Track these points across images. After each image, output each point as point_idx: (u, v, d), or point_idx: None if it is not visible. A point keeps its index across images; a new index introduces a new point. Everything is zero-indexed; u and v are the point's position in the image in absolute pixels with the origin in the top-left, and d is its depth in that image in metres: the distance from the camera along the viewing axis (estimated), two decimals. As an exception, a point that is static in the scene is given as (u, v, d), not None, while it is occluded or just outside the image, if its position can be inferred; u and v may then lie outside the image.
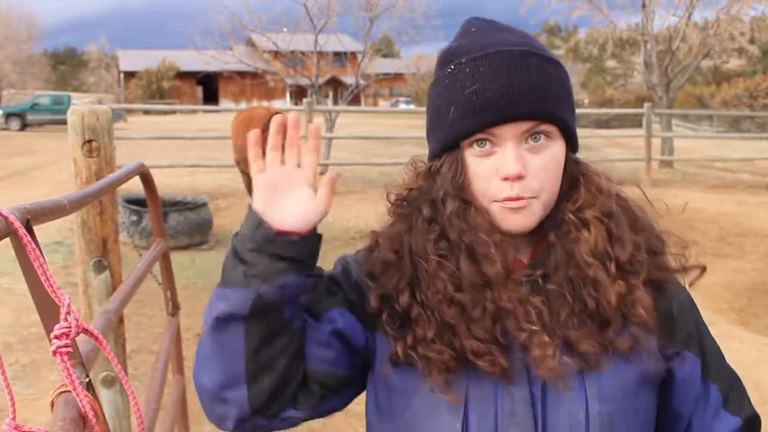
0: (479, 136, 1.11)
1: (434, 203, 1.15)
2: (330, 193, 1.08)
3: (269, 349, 1.07)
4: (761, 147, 20.34)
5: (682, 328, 1.18)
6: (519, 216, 1.11)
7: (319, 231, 1.12)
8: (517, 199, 1.10)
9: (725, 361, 1.23)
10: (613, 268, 1.12)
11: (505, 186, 1.11)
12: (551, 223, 1.16)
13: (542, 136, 1.12)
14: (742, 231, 10.14)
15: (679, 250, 1.21)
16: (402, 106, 41.30)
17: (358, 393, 1.23)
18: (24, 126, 32.32)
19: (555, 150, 1.14)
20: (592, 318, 1.10)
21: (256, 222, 1.06)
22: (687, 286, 1.22)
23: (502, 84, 1.10)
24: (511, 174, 1.09)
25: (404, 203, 1.20)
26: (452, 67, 1.15)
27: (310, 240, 1.09)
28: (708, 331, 1.23)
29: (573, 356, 1.08)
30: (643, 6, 19.24)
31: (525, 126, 1.11)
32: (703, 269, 1.22)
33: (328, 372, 1.14)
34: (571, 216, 1.14)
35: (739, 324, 6.63)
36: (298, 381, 1.12)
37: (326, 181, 1.08)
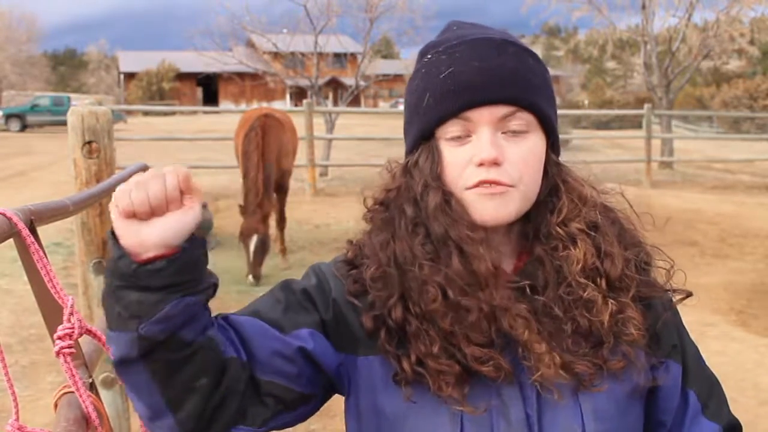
0: (454, 122, 1.07)
1: (416, 201, 1.10)
2: (195, 194, 0.98)
3: (182, 375, 0.99)
4: (761, 148, 20.34)
5: (666, 340, 1.16)
6: (494, 203, 1.06)
7: (197, 236, 1.01)
8: (492, 182, 1.05)
9: (704, 365, 1.21)
10: (603, 284, 1.09)
11: (479, 171, 1.06)
12: (535, 233, 1.12)
13: (520, 127, 1.08)
14: (741, 232, 10.14)
15: (665, 266, 1.18)
16: (402, 107, 41.12)
17: (315, 411, 1.16)
18: (24, 127, 32.32)
19: (534, 141, 1.10)
20: (585, 338, 1.08)
21: (117, 253, 0.95)
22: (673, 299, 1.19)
23: (478, 66, 1.06)
24: (486, 159, 1.05)
25: (382, 206, 1.15)
26: (429, 56, 1.12)
27: (183, 256, 0.97)
28: (688, 335, 1.21)
29: (567, 376, 1.05)
30: (643, 7, 19.24)
31: (502, 111, 1.07)
32: (689, 294, 1.19)
33: (286, 386, 1.08)
34: (558, 230, 1.11)
35: (738, 325, 6.62)
36: (240, 396, 1.04)
37: (183, 182, 0.96)
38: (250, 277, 7.70)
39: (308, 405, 1.13)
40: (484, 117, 1.07)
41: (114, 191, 0.96)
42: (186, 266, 0.97)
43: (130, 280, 0.95)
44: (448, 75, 1.07)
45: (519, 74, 1.08)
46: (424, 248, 1.07)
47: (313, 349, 1.09)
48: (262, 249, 7.77)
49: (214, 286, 1.03)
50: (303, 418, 1.14)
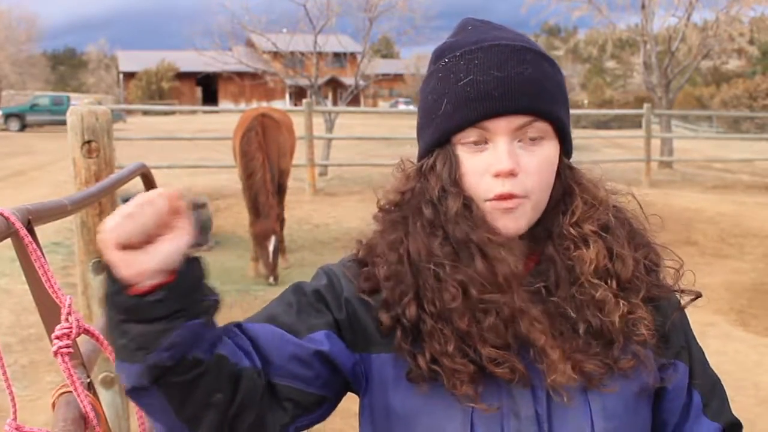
0: (471, 131, 1.08)
1: (433, 204, 1.11)
2: (185, 214, 0.92)
3: (196, 393, 0.98)
4: (761, 148, 20.35)
5: (675, 341, 1.16)
6: (509, 217, 1.08)
7: (194, 255, 0.96)
8: (509, 197, 1.07)
9: (707, 363, 1.22)
10: (614, 285, 1.10)
11: (496, 183, 1.07)
12: (547, 234, 1.13)
13: (537, 136, 1.09)
14: (741, 232, 10.14)
15: (675, 266, 1.18)
16: (401, 107, 41.28)
17: (330, 412, 1.16)
18: (23, 127, 32.33)
19: (549, 150, 1.11)
20: (596, 338, 1.08)
21: (114, 287, 0.92)
22: (680, 300, 1.19)
23: (497, 76, 1.07)
24: (503, 170, 1.06)
25: (396, 207, 1.15)
26: (446, 60, 1.12)
27: (182, 282, 0.93)
28: (693, 336, 1.22)
29: (577, 375, 1.05)
30: (643, 7, 19.24)
31: (519, 121, 1.07)
32: (698, 295, 1.19)
33: (303, 390, 1.08)
34: (571, 230, 1.11)
35: (738, 325, 6.63)
36: (257, 404, 1.04)
37: (172, 203, 0.91)
38: (271, 278, 7.66)
39: (323, 407, 1.13)
40: (501, 127, 1.07)
41: (114, 190, 0.95)
42: (186, 291, 0.94)
43: (131, 314, 0.92)
44: (467, 83, 1.07)
45: (537, 83, 1.08)
46: (443, 249, 1.08)
47: (330, 351, 1.09)
48: (278, 249, 7.77)
49: (217, 303, 1.00)
50: (319, 420, 1.14)
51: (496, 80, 1.07)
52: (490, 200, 1.08)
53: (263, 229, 7.65)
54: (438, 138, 1.12)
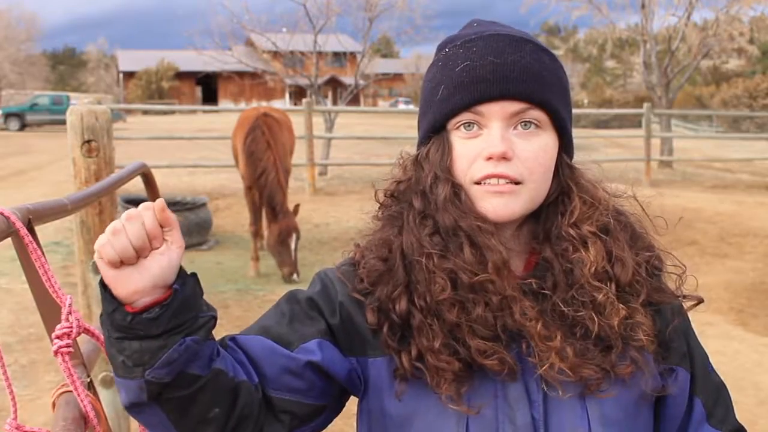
0: (466, 116, 1.08)
1: (425, 193, 1.10)
2: (173, 226, 0.96)
3: (194, 409, 1.00)
4: (760, 147, 20.35)
5: (676, 347, 1.15)
6: (501, 200, 1.06)
7: (189, 271, 1.00)
8: (500, 176, 1.05)
9: (712, 370, 1.20)
10: (613, 288, 1.08)
11: (487, 165, 1.06)
12: (546, 235, 1.12)
13: (532, 125, 1.08)
14: (741, 231, 10.13)
15: (677, 270, 1.16)
16: (401, 107, 41.28)
17: (333, 418, 1.17)
18: (23, 126, 32.32)
19: (546, 140, 1.09)
20: (593, 342, 1.06)
21: (111, 306, 0.95)
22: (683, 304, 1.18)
23: (493, 61, 1.07)
24: (495, 153, 1.05)
25: (393, 198, 1.16)
26: (447, 50, 1.13)
27: (177, 298, 0.96)
28: (697, 340, 1.20)
29: (574, 380, 1.04)
30: (643, 6, 19.23)
31: (514, 107, 1.07)
32: (700, 301, 1.18)
33: (299, 401, 1.09)
34: (570, 231, 1.10)
35: (738, 324, 6.62)
36: (255, 418, 1.05)
37: (159, 215, 0.95)
38: (295, 275, 7.64)
39: (323, 415, 1.14)
40: (495, 112, 1.07)
41: (114, 189, 0.96)
42: (181, 307, 0.97)
43: (128, 332, 0.95)
44: (463, 68, 1.08)
45: (533, 71, 1.08)
46: (432, 240, 1.07)
47: (322, 361, 1.09)
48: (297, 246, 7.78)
49: (213, 319, 1.02)
50: (322, 428, 1.15)
51: (492, 65, 1.07)
52: (479, 182, 1.07)
53: (286, 227, 7.62)
54: (433, 123, 1.12)
